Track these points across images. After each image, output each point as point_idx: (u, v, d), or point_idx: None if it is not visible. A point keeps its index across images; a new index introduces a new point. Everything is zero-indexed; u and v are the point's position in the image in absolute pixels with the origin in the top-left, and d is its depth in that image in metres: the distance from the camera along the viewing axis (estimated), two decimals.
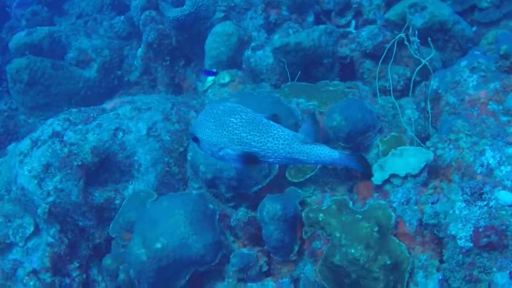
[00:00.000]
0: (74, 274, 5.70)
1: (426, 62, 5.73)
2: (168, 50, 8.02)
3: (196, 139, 3.19)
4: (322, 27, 6.72)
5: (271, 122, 3.06)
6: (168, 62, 8.05)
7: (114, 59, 8.95)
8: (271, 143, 3.00)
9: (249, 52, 6.97)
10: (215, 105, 3.19)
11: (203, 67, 7.51)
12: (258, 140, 3.01)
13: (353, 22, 7.70)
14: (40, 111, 8.56)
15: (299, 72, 6.60)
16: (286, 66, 6.50)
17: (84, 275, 5.74)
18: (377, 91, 6.33)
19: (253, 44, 7.04)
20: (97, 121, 5.82)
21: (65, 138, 5.73)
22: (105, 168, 5.79)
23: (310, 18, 7.55)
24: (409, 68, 6.73)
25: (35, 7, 10.10)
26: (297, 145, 3.00)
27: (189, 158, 5.50)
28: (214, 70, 6.28)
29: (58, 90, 8.48)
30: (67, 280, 5.63)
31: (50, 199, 5.58)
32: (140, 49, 8.76)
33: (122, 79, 9.01)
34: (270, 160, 3.06)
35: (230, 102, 5.18)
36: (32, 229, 6.05)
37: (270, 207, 4.91)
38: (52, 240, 5.63)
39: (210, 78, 6.86)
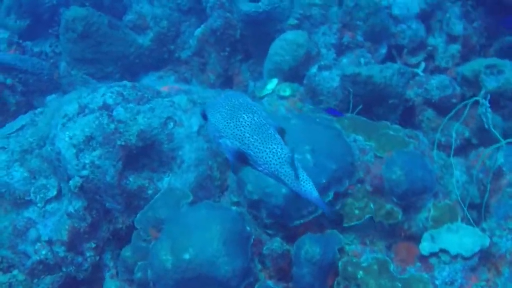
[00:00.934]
0: (88, 254, 5.43)
1: (492, 129, 5.46)
2: (229, 41, 7.70)
3: (205, 117, 3.22)
4: (396, 66, 6.40)
5: (276, 135, 3.05)
6: (226, 53, 7.73)
7: (170, 32, 8.62)
8: (266, 155, 2.99)
9: (314, 70, 6.65)
10: (237, 95, 3.21)
11: (264, 70, 7.16)
12: (257, 146, 3.00)
13: (423, 65, 7.37)
14: (84, 65, 8.26)
15: (361, 106, 6.25)
16: (351, 96, 6.16)
17: (98, 257, 5.45)
18: (435, 146, 6.01)
19: (321, 63, 6.71)
20: (151, 105, 5.51)
21: (114, 113, 5.44)
22: (145, 153, 5.49)
23: (383, 50, 7.22)
24: (469, 128, 6.41)
25: None
26: (287, 168, 2.97)
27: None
28: (339, 112, 5.89)
29: (108, 49, 8.17)
30: (80, 259, 5.37)
31: (84, 172, 5.30)
32: (199, 30, 8.43)
33: (173, 54, 8.70)
34: (259, 168, 3.05)
35: (293, 120, 4.89)
36: (54, 193, 5.80)
37: (310, 248, 4.64)
38: (75, 215, 5.34)
39: (270, 86, 6.55)
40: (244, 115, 3.06)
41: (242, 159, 3.08)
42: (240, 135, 3.04)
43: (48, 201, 5.82)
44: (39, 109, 6.68)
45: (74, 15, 7.95)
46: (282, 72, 7.00)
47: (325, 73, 6.69)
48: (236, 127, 3.04)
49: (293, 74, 7.00)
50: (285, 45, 6.99)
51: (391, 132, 5.85)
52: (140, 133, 5.39)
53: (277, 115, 5.91)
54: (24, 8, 9.16)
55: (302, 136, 5.21)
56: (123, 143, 5.34)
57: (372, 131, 5.85)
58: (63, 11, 8.06)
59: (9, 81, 6.81)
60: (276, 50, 7.05)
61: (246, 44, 7.76)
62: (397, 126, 6.10)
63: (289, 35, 7.01)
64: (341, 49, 7.13)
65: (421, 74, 7.24)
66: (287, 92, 6.40)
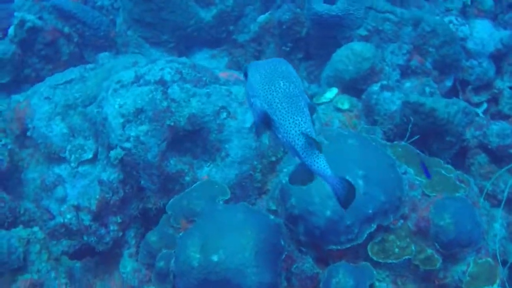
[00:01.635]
0: (112, 228, 5.21)
1: None
2: (294, 38, 7.40)
3: (245, 75, 3.26)
4: (462, 104, 6.09)
5: (305, 110, 3.08)
6: (288, 49, 7.42)
7: (234, 12, 8.32)
8: (288, 125, 3.03)
9: (376, 88, 6.35)
10: (282, 62, 3.24)
11: (323, 75, 6.87)
12: (283, 113, 3.04)
13: (485, 106, 7.05)
14: (141, 27, 7.99)
15: (417, 136, 5.95)
16: (410, 125, 5.86)
17: (121, 233, 5.23)
18: (483, 196, 5.73)
19: (384, 82, 6.40)
20: (208, 89, 5.25)
21: (169, 90, 5.19)
22: (190, 137, 5.24)
23: (449, 83, 6.90)
24: None
25: None
26: (303, 141, 3.00)
27: (283, 181, 4.92)
28: (428, 173, 5.57)
29: (168, 17, 7.90)
30: (103, 231, 5.15)
31: (127, 145, 5.07)
32: (263, 17, 8.12)
33: (230, 35, 8.41)
34: (279, 135, 3.09)
35: (350, 139, 4.63)
36: (90, 156, 5.59)
37: (343, 279, 4.40)
38: (108, 184, 5.11)
39: (329, 95, 6.26)
40: (281, 82, 3.10)
41: (267, 122, 3.11)
42: (270, 99, 3.07)
43: (82, 163, 5.62)
44: (90, 65, 6.46)
45: None
46: (341, 81, 6.71)
47: (387, 94, 6.39)
48: (270, 91, 3.08)
49: (352, 85, 6.71)
50: (351, 54, 6.68)
51: (443, 172, 5.58)
52: (191, 116, 5.14)
53: (332, 128, 5.62)
54: None
55: (356, 158, 4.95)
56: (172, 123, 5.09)
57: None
58: None
59: (66, 29, 6.58)
60: (341, 58, 6.75)
61: (309, 44, 7.46)
62: (449, 167, 5.81)
63: (357, 45, 6.70)
64: (406, 72, 6.81)
65: (481, 115, 6.92)
66: (345, 106, 6.11)
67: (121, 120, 5.09)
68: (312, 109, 3.17)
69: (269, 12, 8.31)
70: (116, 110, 5.11)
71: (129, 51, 7.60)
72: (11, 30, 6.35)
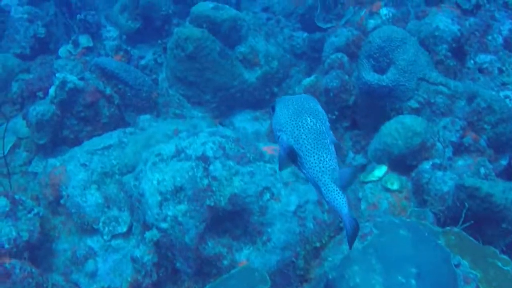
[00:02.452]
0: None
1: None
2: (340, 105, 7.02)
3: (273, 109, 3.31)
4: None
5: (330, 147, 3.12)
6: (334, 117, 7.04)
7: (278, 74, 8.07)
8: (313, 161, 3.06)
9: (428, 166, 5.92)
10: (310, 99, 3.29)
11: (370, 147, 6.47)
12: (308, 149, 3.08)
13: None
14: (183, 85, 7.75)
15: (471, 222, 5.48)
16: (464, 210, 5.40)
17: None
18: None
19: (436, 160, 5.97)
20: (251, 168, 4.89)
21: (211, 167, 4.84)
22: (230, 218, 4.86)
23: (504, 161, 6.41)
24: None
25: None
26: (328, 178, 3.03)
27: (330, 276, 4.50)
28: None
29: (211, 77, 7.63)
30: None
31: (164, 225, 4.73)
32: (308, 80, 7.82)
33: (274, 97, 8.07)
34: (303, 171, 3.14)
35: (402, 230, 4.21)
36: (125, 229, 5.28)
37: None
38: (141, 266, 4.74)
39: (377, 173, 5.85)
40: (308, 118, 3.14)
41: (292, 157, 3.14)
42: (297, 135, 3.11)
43: (115, 236, 5.29)
44: (129, 129, 6.19)
45: (188, 34, 7.46)
46: (389, 156, 6.29)
47: (439, 174, 5.96)
48: (297, 127, 3.13)
49: (401, 160, 6.28)
50: (401, 128, 6.27)
51: (499, 264, 5.09)
52: (232, 196, 4.78)
53: (382, 216, 5.19)
54: (139, 10, 8.75)
55: (409, 254, 4.51)
56: (212, 203, 4.74)
57: (478, 257, 5.11)
58: (178, 28, 7.52)
59: (108, 90, 6.32)
60: (390, 131, 6.34)
61: (356, 112, 7.09)
62: (506, 258, 5.30)
63: (408, 119, 6.29)
64: (459, 149, 6.35)
65: None
66: (395, 186, 5.69)
67: (159, 198, 4.76)
68: (338, 146, 3.19)
69: (314, 75, 7.99)
70: (154, 187, 4.78)
71: (170, 111, 7.32)
72: (51, 90, 6.12)
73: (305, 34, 8.93)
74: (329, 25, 9.06)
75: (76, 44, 8.17)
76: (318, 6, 9.03)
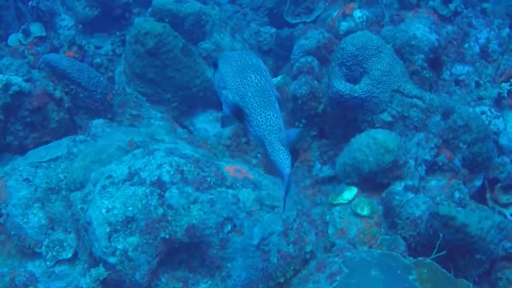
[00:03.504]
0: None
1: None
2: (308, 114, 6.52)
3: (215, 66, 3.24)
4: (497, 218, 5.24)
5: (275, 105, 3.08)
6: (301, 125, 6.52)
7: None
8: (260, 119, 3.03)
9: (399, 188, 5.50)
10: (252, 55, 3.21)
11: (339, 160, 6.00)
12: (255, 107, 3.04)
13: None
14: (142, 82, 7.14)
15: (444, 253, 5.08)
16: (438, 241, 5.00)
17: None
18: None
19: (409, 182, 5.54)
20: (211, 195, 4.36)
21: (167, 194, 4.30)
22: (187, 249, 4.34)
23: (478, 182, 6.05)
24: None
25: None
26: (274, 137, 3.02)
27: None
28: None
29: (173, 75, 7.05)
30: None
31: (112, 260, 4.18)
32: (275, 80, 7.31)
33: None
34: (249, 127, 3.09)
35: (373, 270, 3.87)
36: (70, 255, 4.71)
37: None
38: None
39: (347, 195, 5.38)
40: (252, 75, 3.08)
41: (237, 114, 3.11)
42: (243, 93, 3.06)
43: (59, 262, 4.70)
44: (80, 136, 5.57)
45: (148, 29, 6.82)
46: (359, 172, 5.84)
47: (409, 195, 5.53)
48: (242, 84, 3.07)
49: (371, 177, 5.84)
50: (372, 144, 5.81)
51: None
52: (190, 228, 4.27)
53: (351, 251, 4.73)
54: None
55: None
56: (167, 236, 4.21)
57: None
58: (138, 21, 6.86)
59: (58, 93, 5.66)
60: (360, 146, 5.88)
61: (325, 121, 6.59)
62: None
63: (380, 134, 5.82)
64: (432, 168, 5.93)
65: (510, 217, 6.06)
66: (365, 211, 5.24)
67: (108, 229, 4.20)
68: (280, 101, 3.15)
69: (281, 75, 7.46)
70: (103, 216, 4.21)
71: (127, 112, 6.71)
72: None
73: (273, 30, 8.37)
74: (298, 20, 8.50)
75: (27, 33, 7.44)
76: (288, 0, 8.43)
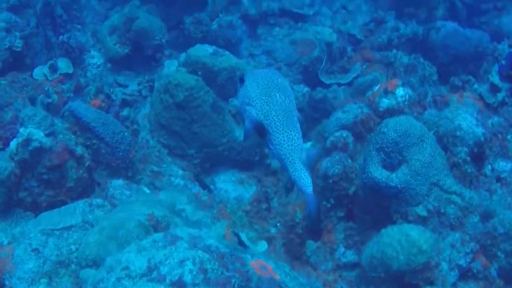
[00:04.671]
0: None
1: None
2: (338, 194, 6.08)
3: (242, 81, 3.30)
4: None
5: (297, 125, 3.19)
6: (329, 205, 6.09)
7: None
8: (282, 138, 3.12)
9: None
10: (278, 75, 3.33)
11: (366, 251, 5.57)
12: (277, 126, 3.13)
13: None
14: (166, 134, 6.77)
15: None
16: None
17: None
18: None
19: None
20: None
21: None
22: None
23: None
24: None
25: None
26: (296, 157, 3.10)
27: None
28: None
29: (199, 131, 6.66)
30: None
31: None
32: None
33: (263, 159, 7.17)
34: (270, 146, 3.19)
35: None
36: None
37: None
38: None
39: None
40: (277, 94, 3.17)
41: (259, 131, 3.16)
42: (267, 111, 3.15)
43: None
44: (97, 200, 5.18)
45: (180, 80, 6.46)
46: (386, 269, 5.42)
47: None
48: (266, 103, 3.16)
49: (398, 276, 5.37)
50: (404, 241, 5.37)
51: None
52: None
53: None
54: (130, 35, 7.68)
55: None
56: None
57: None
58: (170, 71, 6.47)
59: (79, 150, 5.22)
60: (391, 241, 5.43)
61: (355, 204, 6.15)
62: None
63: (415, 232, 5.38)
64: (466, 275, 5.47)
65: None
66: None
67: None
68: (301, 122, 3.23)
69: (310, 142, 7.06)
70: None
71: (147, 169, 6.30)
72: (13, 145, 5.00)
73: (306, 89, 7.97)
74: (332, 80, 8.10)
75: (54, 68, 7.04)
76: (324, 59, 8.04)
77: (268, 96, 3.19)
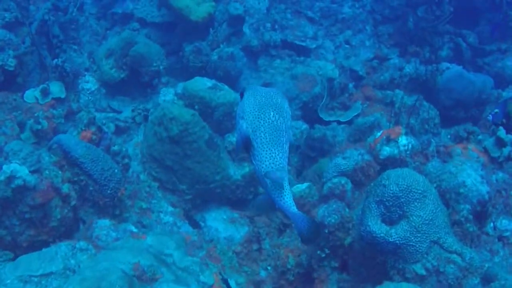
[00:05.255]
0: None
1: None
2: (333, 244, 5.79)
3: (242, 95, 3.30)
4: None
5: (285, 146, 3.13)
6: (323, 255, 5.80)
7: None
8: (265, 156, 3.05)
9: None
10: (280, 95, 3.29)
11: None
12: (263, 144, 3.07)
13: None
14: (158, 167, 6.49)
15: None
16: None
17: None
18: None
19: None
20: None
21: None
22: None
23: None
24: None
25: None
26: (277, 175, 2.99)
27: None
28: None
29: (192, 167, 6.38)
30: None
31: None
32: (300, 188, 6.64)
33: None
34: (254, 162, 3.14)
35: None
36: None
37: None
38: None
39: None
40: (271, 112, 3.16)
41: (245, 145, 3.15)
42: (256, 126, 3.13)
43: None
44: (80, 243, 4.86)
45: (176, 114, 6.18)
46: None
47: None
48: (258, 118, 3.15)
49: None
50: None
51: None
52: None
53: None
54: (127, 60, 7.38)
55: None
56: None
57: None
58: (165, 103, 6.18)
59: (65, 188, 4.90)
60: None
61: (350, 256, 5.86)
62: None
63: None
64: None
65: None
66: None
67: None
68: (292, 147, 3.19)
69: (307, 184, 6.77)
70: None
71: (136, 206, 6.00)
72: None
73: (304, 126, 7.69)
74: (332, 117, 7.84)
75: (45, 92, 6.73)
76: (325, 96, 7.78)
77: (260, 112, 3.15)
